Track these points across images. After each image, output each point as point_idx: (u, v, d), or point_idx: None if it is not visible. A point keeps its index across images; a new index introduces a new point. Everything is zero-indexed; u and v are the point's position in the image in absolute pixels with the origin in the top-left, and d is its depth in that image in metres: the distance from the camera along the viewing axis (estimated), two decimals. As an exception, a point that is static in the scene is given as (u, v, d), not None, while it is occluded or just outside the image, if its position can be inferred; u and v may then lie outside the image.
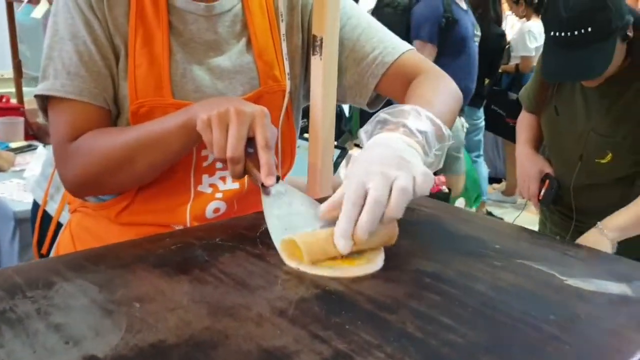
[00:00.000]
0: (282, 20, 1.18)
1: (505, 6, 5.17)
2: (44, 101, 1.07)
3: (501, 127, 4.80)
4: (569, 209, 1.90)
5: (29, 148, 3.03)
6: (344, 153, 2.38)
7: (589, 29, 1.60)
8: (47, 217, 1.37)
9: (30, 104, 3.38)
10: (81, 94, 1.03)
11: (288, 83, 1.18)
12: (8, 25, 3.63)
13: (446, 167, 3.68)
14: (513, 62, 5.15)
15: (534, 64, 3.98)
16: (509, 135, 3.47)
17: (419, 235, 0.83)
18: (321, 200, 0.96)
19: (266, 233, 0.88)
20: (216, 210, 1.14)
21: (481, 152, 4.74)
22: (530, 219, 2.48)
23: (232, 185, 1.14)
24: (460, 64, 3.63)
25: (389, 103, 1.04)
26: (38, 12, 3.26)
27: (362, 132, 0.92)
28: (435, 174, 0.85)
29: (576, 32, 1.62)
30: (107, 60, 1.05)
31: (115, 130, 1.06)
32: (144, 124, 1.03)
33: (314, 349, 0.60)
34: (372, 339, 0.62)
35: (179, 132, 0.98)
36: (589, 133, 1.78)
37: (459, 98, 1.14)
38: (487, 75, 4.48)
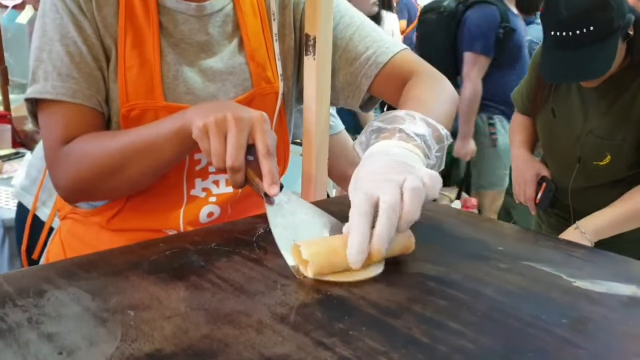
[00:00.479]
0: (274, 19, 1.15)
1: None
2: (34, 105, 1.04)
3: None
4: (566, 212, 1.89)
5: (17, 155, 3.01)
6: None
7: (591, 28, 1.58)
8: (37, 222, 1.34)
9: (17, 111, 3.34)
10: (74, 96, 1.00)
11: (281, 85, 1.15)
12: (-7, 32, 3.59)
13: (491, 183, 3.44)
14: None
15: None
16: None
17: (419, 238, 0.81)
18: (317, 204, 0.93)
19: (263, 237, 0.86)
20: (210, 214, 1.11)
21: None
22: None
23: (225, 189, 1.12)
24: (518, 73, 3.18)
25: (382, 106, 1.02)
26: (23, 17, 3.23)
27: (357, 145, 0.90)
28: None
29: (577, 32, 1.59)
30: (98, 61, 1.02)
31: (107, 135, 1.03)
32: (137, 129, 0.99)
33: (318, 356, 0.58)
34: (378, 345, 0.60)
35: (173, 138, 0.94)
36: (586, 135, 1.75)
37: (456, 99, 1.12)
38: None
